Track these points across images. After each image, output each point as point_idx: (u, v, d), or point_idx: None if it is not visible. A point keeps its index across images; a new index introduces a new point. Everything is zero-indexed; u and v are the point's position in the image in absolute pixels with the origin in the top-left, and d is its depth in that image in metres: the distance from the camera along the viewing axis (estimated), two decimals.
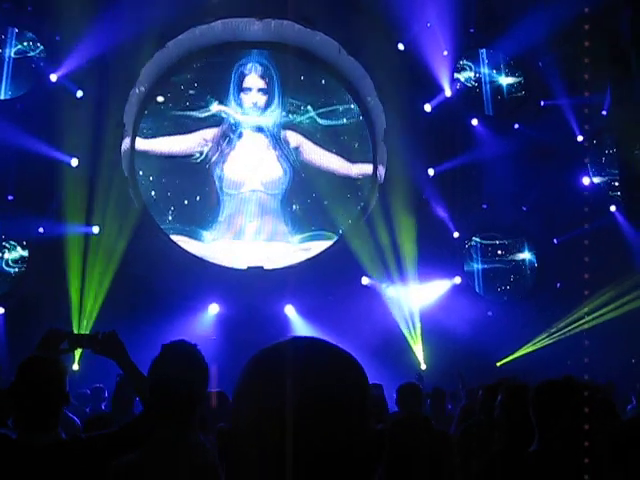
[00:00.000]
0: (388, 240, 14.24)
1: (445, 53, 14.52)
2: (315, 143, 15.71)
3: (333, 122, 15.85)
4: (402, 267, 14.02)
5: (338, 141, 15.82)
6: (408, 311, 14.15)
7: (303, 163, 15.68)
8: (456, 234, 14.60)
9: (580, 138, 14.68)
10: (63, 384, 2.85)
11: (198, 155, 15.44)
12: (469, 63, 15.49)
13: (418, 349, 13.97)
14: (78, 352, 10.91)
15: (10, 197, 13.68)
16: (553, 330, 13.81)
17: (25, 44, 14.48)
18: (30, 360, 2.89)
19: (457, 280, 14.48)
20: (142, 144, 15.35)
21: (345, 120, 15.90)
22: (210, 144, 15.51)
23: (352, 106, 15.95)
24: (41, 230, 13.55)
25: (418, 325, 13.94)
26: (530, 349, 13.91)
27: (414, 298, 14.16)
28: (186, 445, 2.60)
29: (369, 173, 15.73)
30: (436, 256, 13.96)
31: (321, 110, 15.83)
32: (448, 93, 14.69)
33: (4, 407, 3.17)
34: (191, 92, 15.64)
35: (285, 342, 1.21)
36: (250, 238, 15.39)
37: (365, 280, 14.39)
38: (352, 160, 15.76)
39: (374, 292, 14.35)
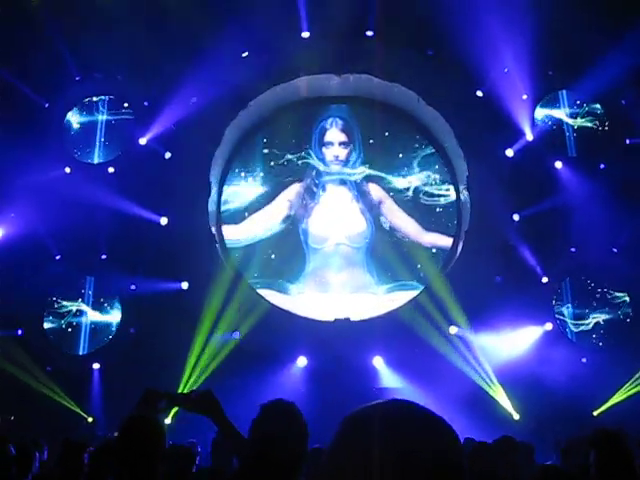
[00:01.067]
0: (474, 287, 14.05)
1: (524, 97, 14.43)
2: (395, 201, 15.75)
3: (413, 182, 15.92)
4: (491, 315, 13.74)
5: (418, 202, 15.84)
6: (498, 360, 13.83)
7: (384, 218, 15.75)
8: (545, 279, 14.27)
9: None
10: (163, 443, 2.92)
11: (286, 219, 15.71)
12: (550, 106, 15.33)
13: (505, 400, 13.60)
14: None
15: (103, 256, 14.20)
16: None
17: (116, 111, 15.15)
18: (132, 419, 2.98)
19: (548, 327, 14.12)
20: (230, 231, 15.69)
21: (425, 173, 15.93)
22: (295, 203, 15.76)
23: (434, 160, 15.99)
24: (133, 287, 14.00)
25: (508, 375, 13.57)
26: (624, 395, 13.37)
27: (504, 346, 13.86)
28: None
29: (441, 245, 15.59)
30: (525, 302, 13.67)
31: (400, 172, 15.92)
32: (530, 137, 14.56)
33: (105, 463, 3.26)
34: (274, 150, 15.96)
35: (381, 404, 1.20)
36: (336, 290, 15.45)
37: (453, 329, 14.19)
38: (428, 228, 15.69)
39: (463, 341, 14.14)
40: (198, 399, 3.29)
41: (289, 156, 15.97)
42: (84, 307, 14.37)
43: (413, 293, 15.22)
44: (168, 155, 14.65)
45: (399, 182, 15.86)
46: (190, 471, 4.79)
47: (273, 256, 15.57)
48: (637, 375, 13.41)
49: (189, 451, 4.99)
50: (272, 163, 15.94)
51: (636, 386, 13.39)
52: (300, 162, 15.98)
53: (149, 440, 2.87)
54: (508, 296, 13.69)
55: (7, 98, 13.45)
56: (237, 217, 15.74)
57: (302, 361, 13.98)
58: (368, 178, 15.95)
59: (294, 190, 15.88)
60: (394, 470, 1.08)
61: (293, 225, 15.74)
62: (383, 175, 15.92)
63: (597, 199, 13.71)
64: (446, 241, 15.61)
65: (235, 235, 15.68)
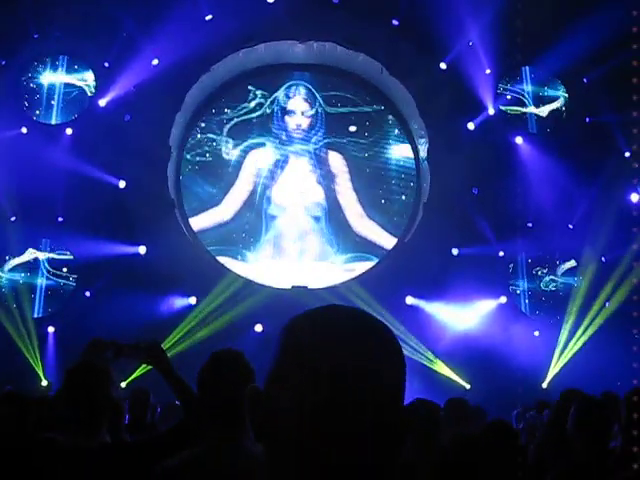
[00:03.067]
0: (432, 260, 14.20)
1: (488, 71, 14.50)
2: (351, 172, 15.73)
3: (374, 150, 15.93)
4: (446, 287, 13.90)
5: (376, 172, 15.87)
6: (453, 331, 14.04)
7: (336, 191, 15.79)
8: (501, 253, 14.47)
9: (627, 154, 14.46)
10: (108, 389, 2.91)
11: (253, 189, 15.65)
12: (511, 81, 15.41)
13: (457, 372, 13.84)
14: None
15: (60, 218, 13.99)
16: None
17: (74, 71, 14.85)
18: (75, 366, 2.97)
19: (502, 300, 14.35)
20: (200, 221, 15.54)
21: (385, 144, 15.96)
22: (261, 170, 15.69)
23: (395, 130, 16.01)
24: (90, 251, 13.83)
25: (462, 347, 13.77)
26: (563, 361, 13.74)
27: (460, 319, 14.06)
28: (235, 447, 2.61)
29: (373, 239, 15.63)
30: (481, 275, 13.85)
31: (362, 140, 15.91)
32: (491, 111, 14.65)
33: (52, 412, 3.24)
34: (235, 119, 15.81)
35: (322, 309, 1.19)
36: (294, 259, 15.49)
37: (409, 300, 14.35)
38: (384, 198, 15.76)
39: (419, 312, 14.31)
40: (145, 350, 3.28)
41: (252, 119, 15.84)
42: (39, 254, 14.15)
43: (371, 263, 15.33)
44: (127, 118, 14.42)
45: (358, 152, 15.87)
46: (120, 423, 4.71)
47: (232, 223, 15.54)
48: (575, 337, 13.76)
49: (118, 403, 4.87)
50: (232, 132, 15.79)
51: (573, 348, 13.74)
52: (262, 129, 15.88)
53: (93, 386, 2.86)
54: (464, 269, 13.86)
55: None
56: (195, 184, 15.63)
57: (259, 328, 14.00)
58: (328, 145, 15.92)
59: (258, 156, 15.79)
60: (336, 373, 1.09)
61: (253, 193, 15.69)
62: (343, 145, 15.89)
63: (555, 176, 13.89)
64: (381, 237, 15.63)
65: (209, 221, 15.56)
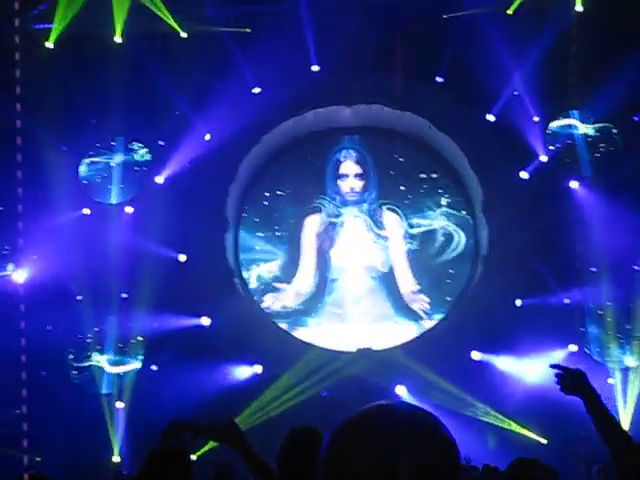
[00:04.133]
0: (496, 312, 14.00)
1: (536, 119, 14.45)
2: (407, 232, 15.76)
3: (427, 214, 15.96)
4: (513, 339, 13.63)
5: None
6: (523, 384, 13.69)
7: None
8: (567, 300, 14.14)
9: None
10: (189, 473, 2.91)
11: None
12: (562, 126, 15.30)
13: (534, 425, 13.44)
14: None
15: (124, 295, 14.31)
16: None
17: (131, 151, 15.37)
18: (156, 451, 2.97)
19: (573, 348, 13.96)
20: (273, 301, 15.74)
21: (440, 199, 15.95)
22: (321, 235, 15.84)
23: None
24: (155, 325, 14.10)
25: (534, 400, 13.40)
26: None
27: (528, 370, 13.72)
28: None
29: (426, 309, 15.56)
30: (548, 325, 13.56)
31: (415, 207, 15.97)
32: (543, 158, 14.55)
33: None
34: (288, 188, 16.06)
35: (372, 408, 1.22)
36: (356, 321, 15.44)
37: (475, 355, 14.10)
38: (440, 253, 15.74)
39: (486, 367, 14.04)
40: (222, 430, 3.27)
41: (304, 191, 16.06)
42: (103, 359, 14.44)
43: (434, 321, 15.18)
44: (185, 193, 14.79)
45: (413, 210, 15.87)
46: None
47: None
48: None
49: None
50: (287, 199, 16.03)
51: None
52: (316, 196, 16.06)
53: (175, 472, 2.86)
54: (530, 319, 13.61)
55: (26, 142, 13.68)
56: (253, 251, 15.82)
57: (324, 392, 13.92)
58: (384, 208, 15.99)
59: (314, 224, 15.94)
60: (389, 468, 1.10)
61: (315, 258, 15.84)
62: (397, 204, 15.94)
63: (615, 217, 13.63)
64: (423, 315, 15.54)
65: (280, 303, 15.73)
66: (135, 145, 15.26)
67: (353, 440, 1.15)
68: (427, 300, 15.46)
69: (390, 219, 15.93)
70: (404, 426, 1.16)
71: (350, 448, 1.14)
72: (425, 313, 15.44)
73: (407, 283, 15.62)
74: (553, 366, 3.16)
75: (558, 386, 3.12)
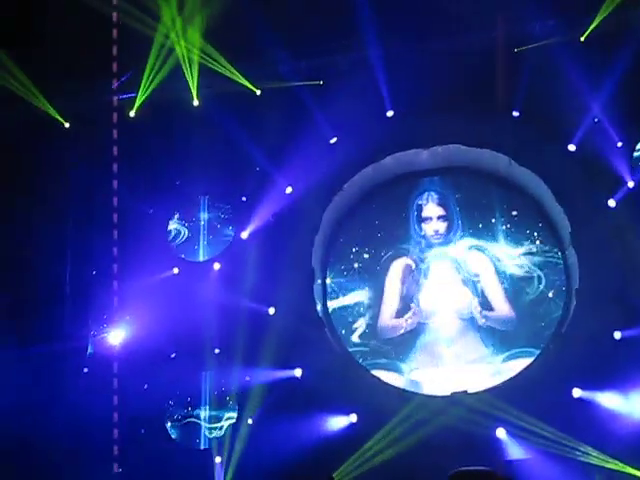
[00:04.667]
0: (594, 347, 13.49)
1: (619, 144, 14.08)
2: (497, 271, 15.49)
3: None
4: (614, 373, 13.08)
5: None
6: (630, 421, 13.06)
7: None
8: None
9: None
10: None
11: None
12: None
13: None
14: None
15: (217, 350, 14.53)
16: None
17: (215, 208, 15.77)
18: None
19: None
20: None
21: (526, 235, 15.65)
22: (406, 278, 15.75)
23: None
24: (248, 378, 14.21)
25: None
26: None
27: (634, 406, 13.12)
28: None
29: None
30: None
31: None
32: (631, 184, 14.11)
33: None
34: (371, 236, 16.08)
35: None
36: (450, 364, 15.17)
37: (577, 392, 13.55)
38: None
39: (589, 405, 13.48)
40: None
41: (389, 237, 16.04)
42: (200, 415, 14.64)
43: (531, 359, 14.73)
44: (270, 246, 15.01)
45: (500, 248, 15.60)
46: None
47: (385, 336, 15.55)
48: None
49: None
50: (370, 247, 16.05)
51: None
52: (401, 242, 16.00)
53: None
54: (631, 352, 13.07)
55: (116, 209, 14.29)
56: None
57: (423, 437, 13.62)
58: (470, 248, 15.78)
59: (399, 268, 15.86)
60: None
61: (401, 302, 15.71)
62: (483, 243, 15.71)
63: None
64: None
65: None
66: (219, 202, 15.64)
67: None
68: None
69: (477, 259, 15.68)
70: None
71: None
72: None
73: (506, 309, 15.32)
74: None
75: None
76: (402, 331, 15.43)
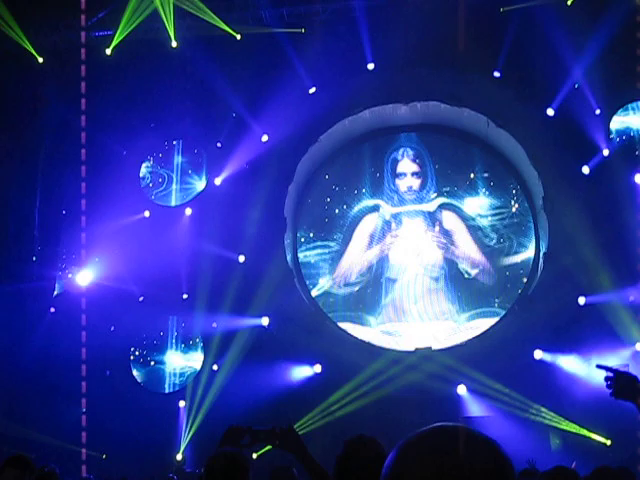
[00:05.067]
0: (558, 311, 13.70)
1: (597, 112, 14.08)
2: (469, 228, 15.59)
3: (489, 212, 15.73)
4: (576, 338, 13.33)
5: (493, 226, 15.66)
6: (587, 384, 13.35)
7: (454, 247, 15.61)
8: (631, 297, 13.75)
9: None
10: (247, 477, 2.97)
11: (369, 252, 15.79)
12: (624, 119, 14.88)
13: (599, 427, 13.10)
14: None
15: (185, 296, 14.51)
16: None
17: (189, 153, 15.58)
18: (215, 456, 3.05)
19: (638, 347, 13.57)
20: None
21: (498, 197, 15.72)
22: (375, 235, 15.78)
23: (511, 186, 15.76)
24: (214, 325, 14.25)
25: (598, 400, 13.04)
26: None
27: (592, 370, 13.38)
28: None
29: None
30: (612, 323, 13.21)
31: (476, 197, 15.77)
32: (605, 152, 14.16)
33: None
34: (344, 188, 16.05)
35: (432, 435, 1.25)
36: (415, 320, 15.33)
37: (538, 354, 13.82)
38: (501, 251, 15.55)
39: (549, 366, 13.76)
40: (280, 435, 3.31)
41: (361, 194, 16.02)
42: (165, 359, 14.69)
43: (495, 319, 14.94)
44: (243, 194, 14.90)
45: (472, 207, 15.67)
46: None
47: (351, 288, 15.64)
48: None
49: None
50: (343, 200, 16.03)
51: None
52: (371, 201, 16.00)
53: (234, 476, 2.92)
54: (593, 317, 13.29)
55: (89, 148, 14.03)
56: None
57: (384, 392, 13.84)
58: (443, 206, 15.83)
59: (371, 223, 15.88)
60: None
61: (370, 257, 15.76)
62: (456, 202, 15.76)
63: None
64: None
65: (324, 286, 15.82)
66: (193, 147, 15.46)
67: (417, 460, 1.20)
68: None
69: (449, 217, 15.75)
70: (466, 448, 1.20)
71: (414, 467, 1.19)
72: None
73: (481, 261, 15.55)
74: (601, 367, 3.04)
75: (608, 390, 2.99)
76: (361, 283, 15.59)
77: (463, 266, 15.47)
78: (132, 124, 14.84)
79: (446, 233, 15.66)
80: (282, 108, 14.40)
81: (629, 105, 14.69)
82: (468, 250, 15.50)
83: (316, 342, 14.23)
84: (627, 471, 6.21)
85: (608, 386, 2.98)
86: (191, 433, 13.65)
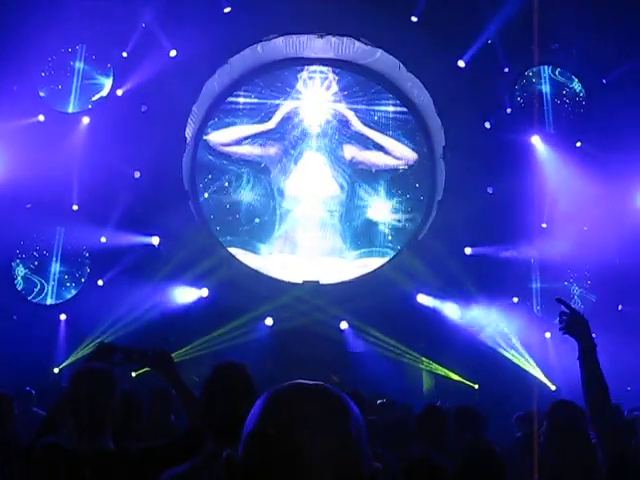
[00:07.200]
0: (445, 258, 14.14)
1: (506, 70, 14.37)
2: (368, 149, 15.77)
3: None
4: (459, 286, 13.85)
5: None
6: (463, 331, 13.97)
7: (358, 174, 15.73)
8: (514, 253, 14.36)
9: None
10: (112, 394, 2.94)
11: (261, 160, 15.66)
12: (530, 80, 15.27)
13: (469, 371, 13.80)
14: None
15: (75, 207, 14.04)
16: None
17: (92, 60, 14.87)
18: (79, 370, 3.01)
19: (514, 300, 14.26)
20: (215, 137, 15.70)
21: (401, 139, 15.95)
22: (273, 156, 15.70)
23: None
24: (103, 240, 13.90)
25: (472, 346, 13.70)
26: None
27: (470, 318, 14.02)
28: None
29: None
30: (494, 276, 13.78)
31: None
32: (508, 110, 14.53)
33: (59, 416, 3.27)
34: (252, 114, 15.82)
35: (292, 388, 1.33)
36: (306, 253, 15.50)
37: (420, 298, 14.31)
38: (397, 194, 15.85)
39: (429, 311, 14.27)
40: (154, 357, 3.31)
41: (267, 118, 15.85)
42: (50, 270, 14.27)
43: (383, 260, 15.30)
44: (144, 108, 14.42)
45: (374, 148, 15.85)
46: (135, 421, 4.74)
47: (244, 216, 15.59)
48: None
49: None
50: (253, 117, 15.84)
51: None
52: (285, 107, 15.89)
53: (98, 391, 2.89)
54: (477, 268, 13.82)
55: None
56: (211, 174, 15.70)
57: (269, 321, 14.02)
58: (345, 141, 15.87)
59: (274, 148, 15.76)
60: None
61: (268, 186, 15.70)
62: (360, 139, 15.85)
63: (571, 177, 13.76)
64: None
65: (218, 139, 15.69)
66: (97, 54, 14.75)
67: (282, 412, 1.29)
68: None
69: (350, 151, 15.85)
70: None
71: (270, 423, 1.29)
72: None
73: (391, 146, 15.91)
74: (560, 301, 3.23)
75: (560, 324, 3.19)
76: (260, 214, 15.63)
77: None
78: (33, 23, 13.92)
79: (346, 165, 15.78)
80: (194, 24, 13.92)
81: (536, 67, 15.05)
82: (371, 156, 15.73)
83: (206, 266, 14.14)
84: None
85: (561, 320, 3.17)
86: (74, 351, 13.39)
